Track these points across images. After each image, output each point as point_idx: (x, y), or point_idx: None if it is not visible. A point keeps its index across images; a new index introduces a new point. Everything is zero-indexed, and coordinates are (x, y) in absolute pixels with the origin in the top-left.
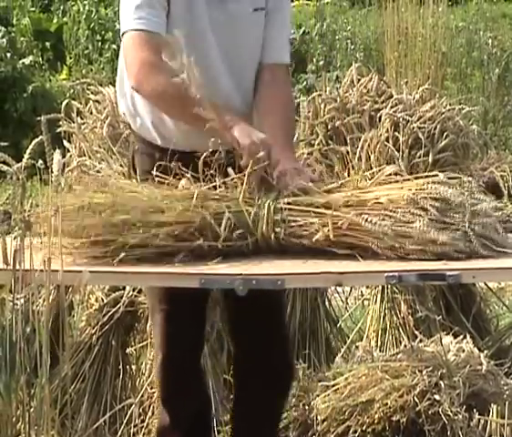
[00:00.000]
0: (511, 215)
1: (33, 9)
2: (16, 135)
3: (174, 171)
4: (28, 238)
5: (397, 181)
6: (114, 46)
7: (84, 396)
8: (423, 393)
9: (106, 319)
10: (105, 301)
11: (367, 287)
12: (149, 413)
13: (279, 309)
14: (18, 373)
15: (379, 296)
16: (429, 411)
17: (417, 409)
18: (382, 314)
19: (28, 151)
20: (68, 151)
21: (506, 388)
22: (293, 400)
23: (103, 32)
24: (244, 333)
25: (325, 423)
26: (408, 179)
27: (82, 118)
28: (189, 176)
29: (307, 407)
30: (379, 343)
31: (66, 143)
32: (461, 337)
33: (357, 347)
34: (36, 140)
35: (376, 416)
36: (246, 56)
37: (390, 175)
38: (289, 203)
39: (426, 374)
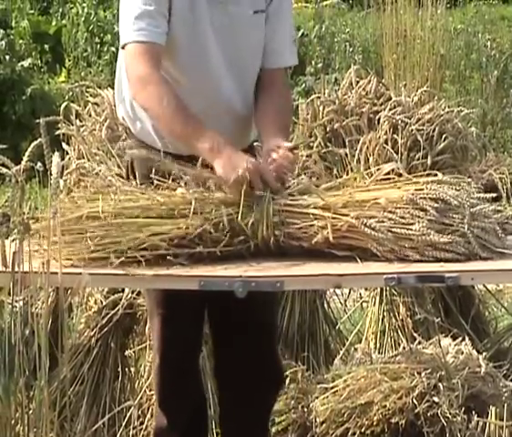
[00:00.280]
0: (510, 217)
1: (32, 12)
2: (15, 137)
3: (173, 175)
4: (27, 241)
5: (396, 181)
6: (113, 49)
7: (83, 398)
8: (421, 395)
9: (105, 321)
10: (104, 304)
11: (366, 289)
12: (148, 416)
13: (269, 308)
14: (17, 376)
15: (378, 298)
16: (428, 413)
17: (416, 411)
18: (380, 316)
19: (27, 154)
20: (67, 153)
21: (504, 390)
22: (292, 402)
23: (102, 34)
24: (231, 333)
25: (324, 425)
26: (407, 179)
27: (81, 121)
28: (186, 180)
29: (306, 409)
30: (378, 345)
31: (64, 145)
32: (460, 339)
33: (356, 349)
34: (35, 143)
35: (375, 418)
36: (247, 58)
37: (388, 173)
38: (287, 205)
39: (425, 376)
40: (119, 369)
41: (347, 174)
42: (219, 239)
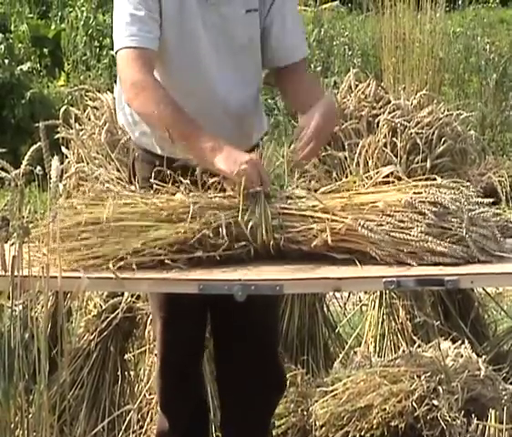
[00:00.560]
0: (509, 220)
1: (31, 15)
2: (14, 141)
3: (173, 179)
4: (27, 245)
5: (395, 184)
6: (112, 53)
7: (82, 402)
8: (421, 399)
9: (104, 325)
10: (103, 307)
11: (365, 292)
12: (148, 419)
13: (270, 311)
14: (17, 380)
15: (377, 301)
16: (427, 416)
17: (416, 414)
18: (380, 320)
19: (26, 157)
20: (66, 157)
21: (504, 393)
22: (292, 405)
23: (101, 38)
24: (232, 336)
25: (324, 429)
26: (406, 182)
27: (80, 125)
28: (185, 185)
29: (305, 413)
30: (377, 349)
31: (64, 149)
32: (459, 342)
33: (355, 352)
34: (35, 147)
35: (375, 421)
36: (241, 58)
37: (388, 176)
38: (286, 208)
39: (425, 379)
40: (119, 373)
41: (346, 177)
42: (218, 244)
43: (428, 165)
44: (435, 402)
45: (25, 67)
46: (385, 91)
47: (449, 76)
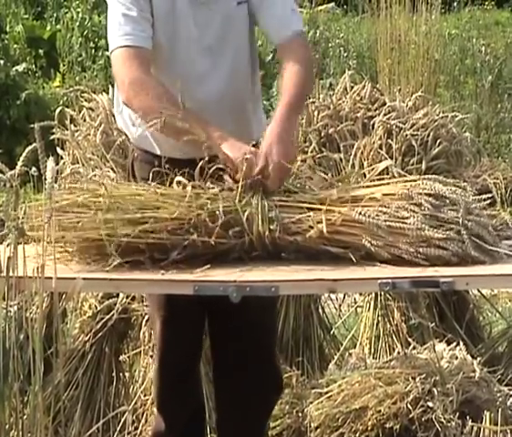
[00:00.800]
0: (504, 222)
1: (26, 16)
2: (10, 142)
3: (171, 178)
4: (21, 246)
5: (390, 180)
6: (107, 54)
7: (77, 403)
8: (416, 400)
9: (99, 326)
10: (98, 308)
11: (361, 294)
12: (143, 421)
13: (268, 313)
14: (11, 380)
15: (372, 303)
16: (422, 418)
17: (410, 416)
18: (375, 321)
19: (22, 158)
20: (62, 158)
21: (499, 395)
22: (287, 407)
23: (96, 39)
24: (229, 337)
25: (319, 430)
26: (402, 177)
27: (75, 126)
28: (184, 180)
29: (300, 414)
30: (372, 350)
31: (59, 150)
32: (454, 344)
33: (350, 354)
34: (30, 147)
35: (370, 423)
36: (234, 51)
37: (383, 171)
38: (282, 200)
39: (420, 381)
40: (114, 374)
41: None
42: (213, 231)
43: (423, 166)
44: (430, 404)
45: (20, 68)
46: (381, 93)
47: (444, 78)
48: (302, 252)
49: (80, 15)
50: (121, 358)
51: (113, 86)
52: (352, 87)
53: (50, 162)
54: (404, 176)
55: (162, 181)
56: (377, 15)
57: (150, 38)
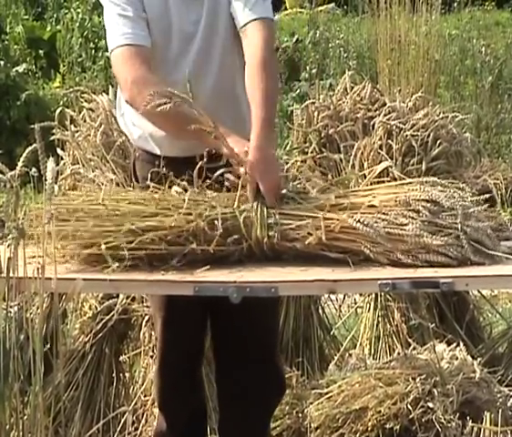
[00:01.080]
0: (504, 223)
1: (26, 17)
2: (10, 143)
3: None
4: (22, 246)
5: (390, 183)
6: (107, 54)
7: (77, 404)
8: (416, 401)
9: (99, 326)
10: (98, 309)
11: (361, 295)
12: (143, 421)
13: (270, 313)
14: (12, 381)
15: (372, 304)
16: (422, 418)
17: (411, 416)
18: (375, 322)
19: (22, 159)
20: (62, 159)
21: (499, 395)
22: (287, 407)
23: (96, 40)
24: (232, 337)
25: (319, 431)
26: (401, 181)
27: (76, 126)
28: (184, 183)
29: (300, 415)
30: (372, 351)
31: (59, 151)
32: (454, 345)
33: (350, 355)
34: (30, 148)
35: (370, 424)
36: (226, 44)
37: (382, 175)
38: (282, 207)
39: (420, 382)
40: (114, 374)
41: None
42: (213, 238)
43: (423, 167)
44: (430, 405)
45: (20, 69)
46: (381, 93)
47: (445, 79)
48: (301, 257)
49: (80, 15)
50: (121, 358)
51: (113, 86)
52: (352, 88)
53: (50, 163)
54: (403, 178)
55: (162, 181)
56: (377, 15)
57: (149, 37)
